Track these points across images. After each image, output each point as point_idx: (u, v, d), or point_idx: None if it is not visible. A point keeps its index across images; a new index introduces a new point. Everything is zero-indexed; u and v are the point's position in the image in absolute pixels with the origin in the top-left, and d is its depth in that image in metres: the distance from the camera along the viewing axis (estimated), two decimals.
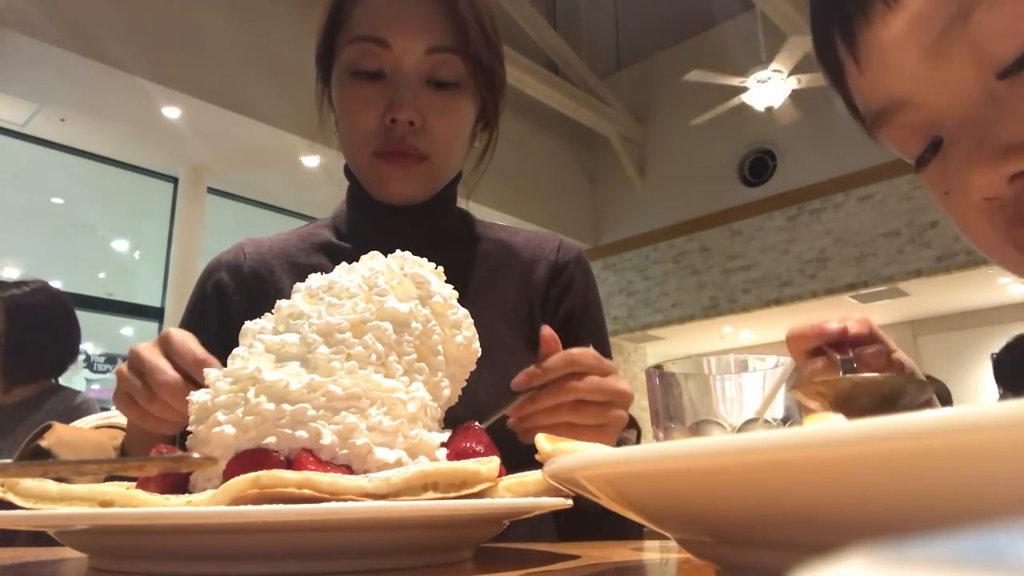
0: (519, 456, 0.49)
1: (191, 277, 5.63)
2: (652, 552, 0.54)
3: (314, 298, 0.49)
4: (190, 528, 0.36)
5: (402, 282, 0.52)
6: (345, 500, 0.37)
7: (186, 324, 0.86)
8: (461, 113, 0.80)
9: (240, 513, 0.34)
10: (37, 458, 1.15)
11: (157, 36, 4.66)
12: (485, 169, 0.91)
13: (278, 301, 0.51)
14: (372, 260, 0.53)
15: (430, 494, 0.40)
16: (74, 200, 6.18)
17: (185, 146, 5.41)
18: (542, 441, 0.43)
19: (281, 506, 0.35)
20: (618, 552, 0.52)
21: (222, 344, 0.55)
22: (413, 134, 0.78)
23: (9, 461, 0.45)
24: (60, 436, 1.23)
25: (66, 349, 2.20)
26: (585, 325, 0.87)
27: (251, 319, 0.51)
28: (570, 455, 0.30)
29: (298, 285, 0.52)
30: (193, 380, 0.53)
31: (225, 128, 5.23)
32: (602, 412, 0.61)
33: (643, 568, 0.45)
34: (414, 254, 0.85)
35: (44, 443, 1.20)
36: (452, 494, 0.40)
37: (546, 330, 0.61)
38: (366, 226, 0.88)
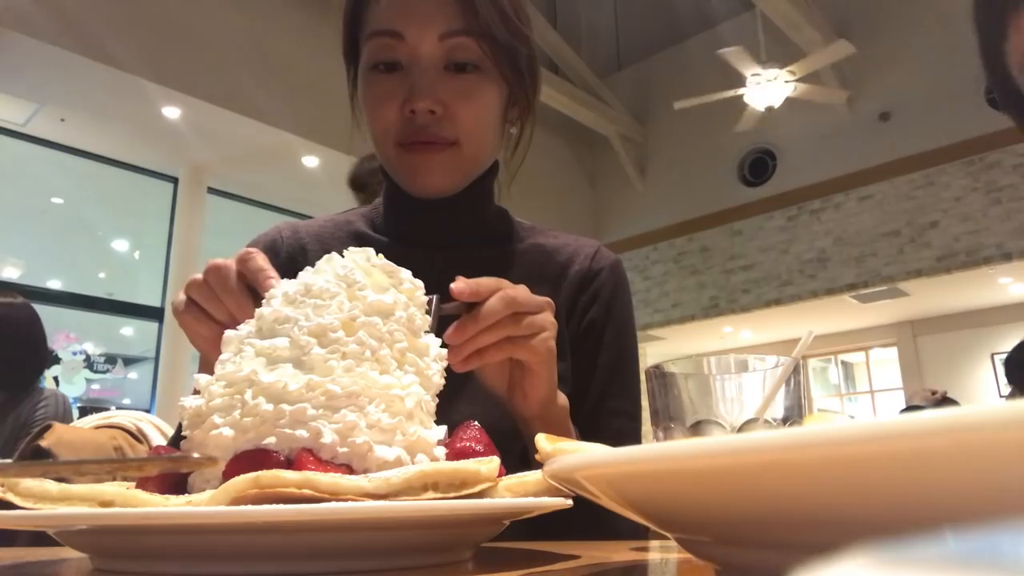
0: (519, 456, 0.49)
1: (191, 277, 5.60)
2: (652, 552, 0.54)
3: (294, 303, 0.49)
4: (190, 528, 0.36)
5: (372, 272, 0.52)
6: (345, 500, 0.37)
7: None
8: (485, 96, 0.78)
9: (240, 513, 0.34)
10: (37, 458, 1.15)
11: (157, 36, 4.67)
12: (520, 163, 0.88)
13: (256, 309, 0.51)
14: (330, 262, 0.53)
15: (430, 494, 0.40)
16: (74, 200, 6.19)
17: (185, 146, 5.41)
18: (542, 441, 0.43)
19: (281, 506, 0.35)
20: (618, 552, 0.52)
21: None
22: (437, 123, 0.76)
23: (9, 461, 0.45)
24: (60, 436, 1.23)
25: (27, 366, 2.14)
26: (606, 333, 0.85)
27: None
28: (570, 455, 0.30)
29: (272, 292, 0.52)
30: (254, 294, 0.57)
31: (225, 128, 5.22)
32: (529, 345, 0.61)
33: (643, 568, 0.45)
34: (451, 252, 0.84)
35: (44, 443, 1.20)
36: (452, 494, 0.40)
37: (457, 283, 0.60)
38: (402, 224, 0.86)
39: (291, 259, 0.86)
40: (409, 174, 0.80)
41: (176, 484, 0.45)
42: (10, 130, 5.11)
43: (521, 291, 0.61)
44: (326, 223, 0.91)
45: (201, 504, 0.38)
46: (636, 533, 0.72)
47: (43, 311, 2.22)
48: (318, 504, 0.35)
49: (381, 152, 0.81)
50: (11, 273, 5.95)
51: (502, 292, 0.60)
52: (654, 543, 0.63)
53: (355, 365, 0.46)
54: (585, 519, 0.54)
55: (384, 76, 0.77)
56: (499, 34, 0.76)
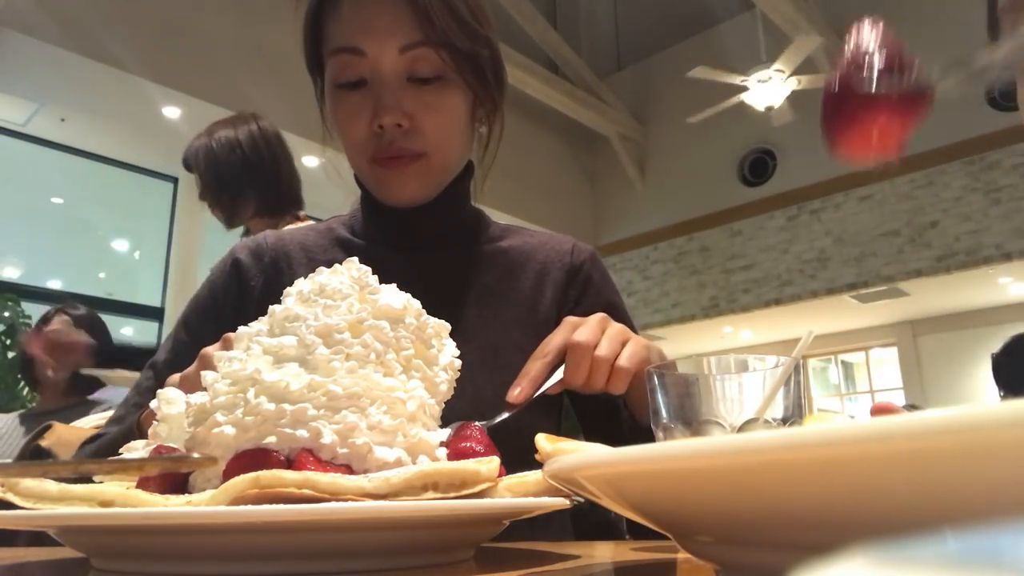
0: (519, 456, 0.49)
1: (191, 277, 5.64)
2: (652, 552, 0.54)
3: (307, 302, 0.50)
4: (190, 528, 0.36)
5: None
6: (345, 500, 0.37)
7: (200, 297, 0.89)
8: (450, 106, 0.79)
9: (240, 513, 0.34)
10: (37, 458, 1.15)
11: (157, 36, 4.66)
12: (492, 163, 0.90)
13: (270, 306, 0.51)
14: (349, 264, 0.54)
15: (430, 494, 0.40)
16: (74, 200, 6.18)
17: (185, 146, 5.40)
18: (542, 441, 0.43)
19: (281, 506, 0.35)
20: (618, 552, 0.52)
21: (238, 317, 0.57)
22: (404, 135, 0.77)
23: (9, 461, 0.45)
24: (60, 436, 1.23)
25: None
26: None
27: (268, 303, 0.52)
28: (570, 455, 0.30)
29: (288, 290, 0.52)
30: None
31: None
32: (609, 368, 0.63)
33: (643, 568, 0.45)
34: (428, 253, 0.87)
35: (44, 443, 1.20)
36: (452, 494, 0.40)
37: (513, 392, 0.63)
38: (379, 229, 0.89)
39: (274, 263, 0.88)
40: (383, 187, 0.82)
41: (176, 484, 0.45)
42: (10, 130, 5.10)
43: (582, 331, 0.64)
44: (309, 231, 0.94)
45: (201, 504, 0.38)
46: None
47: (43, 311, 2.24)
48: (318, 504, 0.35)
49: (354, 165, 0.83)
50: (11, 273, 5.95)
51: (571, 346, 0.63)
52: (654, 543, 0.63)
53: (358, 367, 0.46)
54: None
55: (350, 93, 0.78)
56: (458, 42, 0.77)
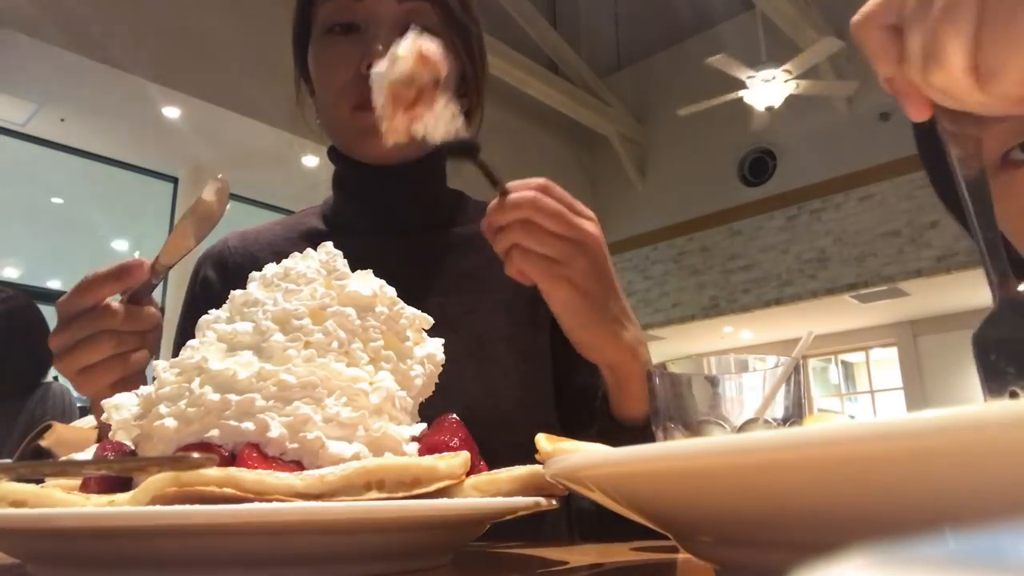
0: (515, 451, 0.48)
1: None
2: (652, 552, 0.54)
3: (270, 286, 0.47)
4: (100, 531, 0.33)
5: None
6: (270, 500, 0.33)
7: (182, 323, 0.86)
8: None
9: (144, 515, 0.31)
10: (37, 458, 1.15)
11: (157, 36, 4.66)
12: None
13: (232, 291, 0.48)
14: (321, 248, 0.51)
15: (373, 493, 0.36)
16: (74, 200, 6.18)
17: (185, 146, 5.40)
18: (542, 441, 0.43)
19: (188, 507, 0.31)
20: (618, 552, 0.52)
21: None
22: None
23: (9, 461, 0.45)
24: (60, 436, 1.22)
25: (30, 364, 2.07)
26: None
27: None
28: (572, 455, 0.30)
29: (253, 274, 0.50)
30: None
31: (225, 128, 5.22)
32: (556, 243, 0.59)
33: (643, 568, 0.45)
34: (403, 236, 0.82)
35: (44, 443, 1.19)
36: (401, 493, 0.36)
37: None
38: (353, 208, 0.85)
39: (239, 268, 0.84)
40: (363, 136, 0.78)
41: (119, 484, 0.41)
42: (10, 130, 5.11)
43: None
44: (275, 225, 0.91)
45: (123, 504, 0.35)
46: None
47: (43, 311, 2.20)
48: (235, 505, 0.31)
49: (333, 116, 0.81)
50: (11, 273, 5.95)
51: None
52: (654, 543, 0.63)
53: (317, 356, 0.42)
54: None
55: (341, 38, 0.78)
56: (453, 5, 0.79)
